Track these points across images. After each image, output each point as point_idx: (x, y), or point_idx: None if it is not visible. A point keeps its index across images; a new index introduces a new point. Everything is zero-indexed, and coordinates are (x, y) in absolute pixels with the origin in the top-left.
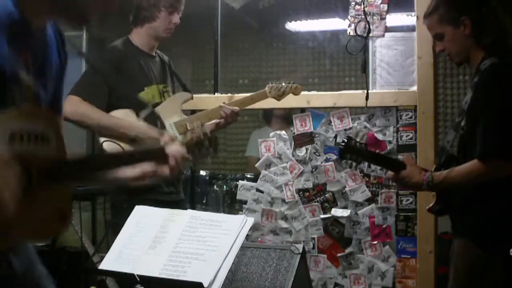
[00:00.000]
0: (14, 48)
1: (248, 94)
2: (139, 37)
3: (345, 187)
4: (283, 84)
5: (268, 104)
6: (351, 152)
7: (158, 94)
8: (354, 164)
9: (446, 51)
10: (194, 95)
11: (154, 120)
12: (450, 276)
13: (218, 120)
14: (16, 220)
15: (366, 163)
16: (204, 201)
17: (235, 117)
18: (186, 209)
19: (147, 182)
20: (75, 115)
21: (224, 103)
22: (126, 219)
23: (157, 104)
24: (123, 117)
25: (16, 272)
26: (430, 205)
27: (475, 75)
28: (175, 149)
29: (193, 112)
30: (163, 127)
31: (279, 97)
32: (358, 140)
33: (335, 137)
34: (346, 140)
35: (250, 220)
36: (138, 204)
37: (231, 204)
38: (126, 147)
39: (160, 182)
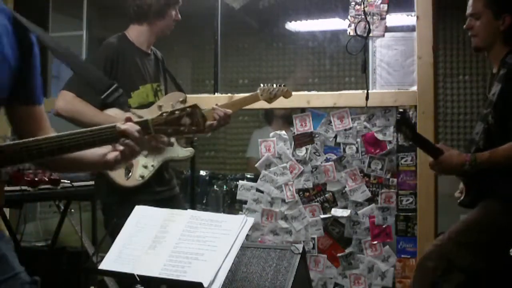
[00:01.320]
0: None
1: (241, 96)
2: (138, 34)
3: (345, 187)
4: (274, 86)
5: (268, 104)
6: (406, 124)
7: (152, 93)
8: (407, 138)
9: (473, 30)
10: (194, 95)
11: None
12: (454, 225)
13: (210, 122)
14: None
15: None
16: (204, 201)
17: (228, 119)
18: (181, 203)
19: (113, 166)
20: (68, 111)
21: (216, 105)
22: (118, 221)
23: (151, 104)
24: (118, 115)
25: None
26: (460, 199)
27: (500, 68)
28: (127, 125)
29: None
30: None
31: (270, 99)
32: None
33: (335, 137)
34: (401, 113)
35: (250, 220)
36: (129, 206)
37: (231, 204)
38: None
39: (124, 166)
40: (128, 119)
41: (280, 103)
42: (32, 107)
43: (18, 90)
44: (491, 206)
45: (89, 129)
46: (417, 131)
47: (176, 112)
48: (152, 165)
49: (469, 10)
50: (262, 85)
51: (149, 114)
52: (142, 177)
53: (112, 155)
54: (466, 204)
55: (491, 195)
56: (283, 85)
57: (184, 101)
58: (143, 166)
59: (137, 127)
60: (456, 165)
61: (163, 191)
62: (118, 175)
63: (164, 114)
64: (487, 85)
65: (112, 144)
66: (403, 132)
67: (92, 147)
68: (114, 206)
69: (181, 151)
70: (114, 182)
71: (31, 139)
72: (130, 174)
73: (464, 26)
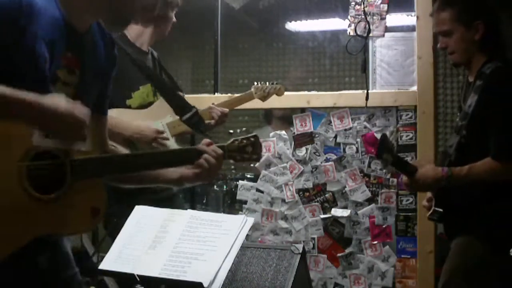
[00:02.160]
0: (58, 50)
1: (236, 95)
2: (139, 34)
3: (345, 187)
4: (267, 84)
5: (268, 104)
6: (387, 150)
7: (152, 93)
8: (387, 163)
9: (449, 49)
10: (194, 95)
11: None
12: (441, 275)
13: (208, 121)
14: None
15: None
16: (204, 201)
17: (225, 118)
18: (180, 203)
19: (187, 184)
20: None
21: (213, 104)
22: (118, 221)
23: (150, 104)
24: (119, 116)
25: (41, 268)
26: (428, 213)
27: (477, 78)
28: (210, 149)
29: None
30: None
31: (264, 97)
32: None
33: (335, 137)
34: (381, 139)
35: (250, 220)
36: (128, 206)
37: (231, 204)
38: (120, 147)
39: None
40: (210, 144)
41: (281, 103)
42: (101, 116)
43: (98, 99)
44: (473, 248)
45: (177, 148)
46: (396, 155)
47: (244, 140)
48: None
49: (437, 28)
50: (256, 83)
51: (149, 115)
52: None
53: (188, 173)
54: (436, 218)
55: (470, 230)
56: (276, 83)
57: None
58: None
59: (220, 152)
60: (432, 180)
61: (161, 190)
62: None
63: (236, 142)
64: (461, 94)
65: (192, 164)
66: (384, 160)
67: (178, 166)
68: (114, 206)
69: None
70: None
71: (136, 152)
72: None
73: (438, 46)
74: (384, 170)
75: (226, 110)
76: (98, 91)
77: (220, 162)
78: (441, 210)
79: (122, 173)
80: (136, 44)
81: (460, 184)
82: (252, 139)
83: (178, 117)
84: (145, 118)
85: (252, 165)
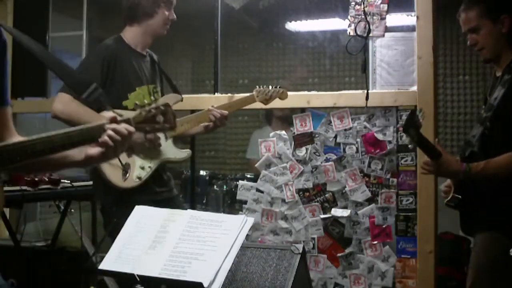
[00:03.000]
0: None
1: (237, 97)
2: (133, 35)
3: (345, 187)
4: (270, 88)
5: (268, 104)
6: (414, 127)
7: (148, 94)
8: (412, 140)
9: (478, 45)
10: (194, 95)
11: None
12: (469, 273)
13: (207, 124)
14: None
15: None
16: (204, 201)
17: (224, 121)
18: (180, 204)
19: (94, 163)
20: (65, 113)
21: (212, 106)
22: (118, 221)
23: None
24: None
25: None
26: (447, 199)
27: (505, 72)
28: (113, 126)
29: (192, 112)
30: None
31: (266, 101)
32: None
33: (335, 137)
34: (410, 114)
35: (250, 220)
36: (129, 206)
37: (231, 204)
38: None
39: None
40: (113, 119)
41: (281, 103)
42: (2, 107)
43: None
44: (500, 243)
45: (78, 127)
46: (423, 134)
47: (152, 110)
48: (149, 166)
49: (465, 26)
50: (258, 87)
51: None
52: (139, 178)
53: (93, 152)
54: (454, 205)
55: (494, 224)
56: (279, 87)
57: (180, 100)
58: (140, 168)
59: (126, 126)
60: (452, 171)
61: (162, 192)
62: (115, 177)
63: (143, 112)
64: (488, 86)
65: (97, 142)
66: (410, 135)
67: (81, 146)
68: (113, 207)
69: (178, 153)
70: (111, 184)
71: (25, 138)
72: (128, 175)
73: (468, 43)
74: (409, 146)
75: (226, 112)
76: None
77: (125, 137)
78: (459, 196)
79: (22, 161)
80: (131, 45)
81: (478, 179)
82: (162, 107)
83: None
84: None
85: (168, 134)
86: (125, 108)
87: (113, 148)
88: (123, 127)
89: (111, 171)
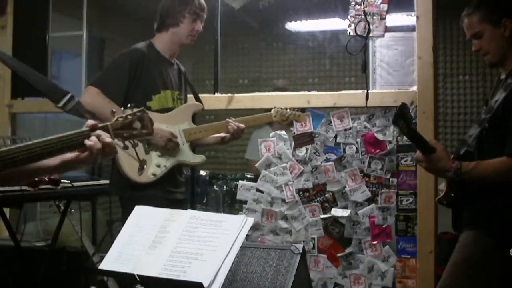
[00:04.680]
0: None
1: (237, 97)
2: (162, 42)
3: (345, 187)
4: (288, 110)
5: (268, 104)
6: (403, 119)
7: (171, 99)
8: (402, 132)
9: (483, 50)
10: None
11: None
12: (446, 268)
13: (224, 134)
14: None
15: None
16: (204, 201)
17: (240, 134)
18: (186, 209)
19: (69, 169)
20: (90, 105)
21: (230, 118)
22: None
23: (170, 109)
24: None
25: None
26: (440, 196)
27: (509, 76)
28: (95, 133)
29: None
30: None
31: (283, 121)
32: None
33: (335, 137)
34: (400, 106)
35: (250, 220)
36: (144, 200)
37: (231, 204)
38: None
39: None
40: (94, 125)
41: (281, 103)
42: None
43: None
44: (480, 241)
45: (58, 136)
46: (413, 127)
47: (129, 116)
48: (165, 165)
49: (469, 33)
50: (275, 107)
51: (167, 119)
52: (154, 175)
53: (69, 157)
54: (447, 202)
55: (478, 223)
56: (296, 110)
57: (202, 110)
58: (156, 165)
59: (104, 134)
60: (443, 168)
61: (175, 192)
62: (131, 170)
63: (120, 119)
64: (490, 88)
65: (79, 149)
66: (399, 126)
67: (61, 154)
68: (131, 200)
69: (192, 157)
70: (126, 176)
71: (4, 148)
72: (143, 171)
73: (473, 49)
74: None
75: (243, 126)
76: None
77: (106, 144)
78: (452, 194)
79: (14, 166)
80: (160, 52)
81: (467, 179)
82: (138, 113)
83: (194, 126)
84: (162, 121)
85: (147, 142)
86: (149, 108)
87: (93, 155)
88: (107, 135)
89: (128, 164)
